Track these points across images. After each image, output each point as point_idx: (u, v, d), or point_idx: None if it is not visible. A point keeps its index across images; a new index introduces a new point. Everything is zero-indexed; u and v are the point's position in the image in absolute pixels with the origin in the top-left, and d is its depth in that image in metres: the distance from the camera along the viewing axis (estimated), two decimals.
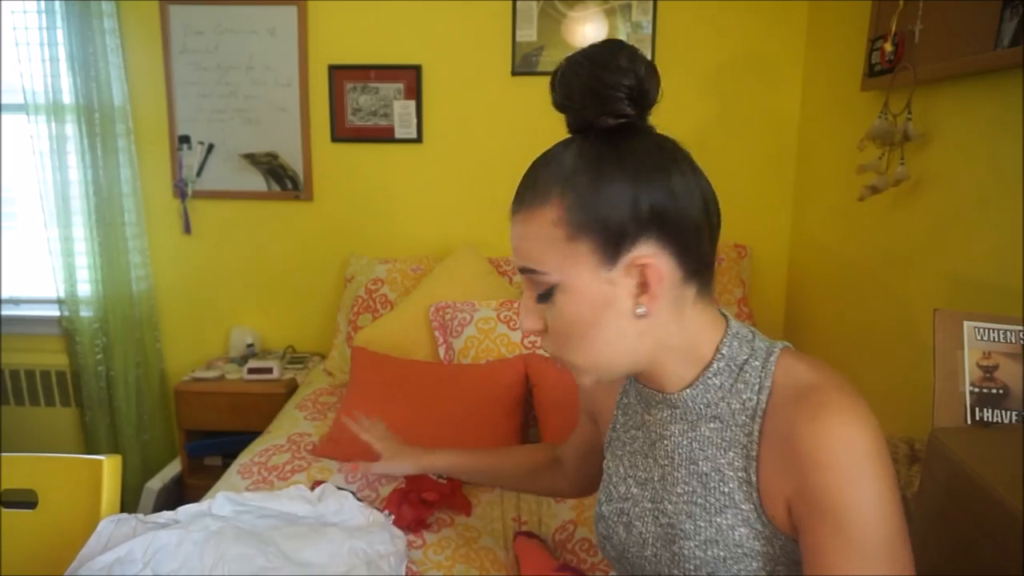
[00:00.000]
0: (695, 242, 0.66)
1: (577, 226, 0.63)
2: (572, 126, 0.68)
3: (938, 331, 0.97)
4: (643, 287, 0.65)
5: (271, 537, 1.06)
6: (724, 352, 0.69)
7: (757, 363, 0.69)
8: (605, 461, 0.84)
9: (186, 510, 1.09)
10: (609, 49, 0.63)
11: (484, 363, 1.90)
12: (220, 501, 1.11)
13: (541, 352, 1.89)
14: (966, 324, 0.97)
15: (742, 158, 2.36)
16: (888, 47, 1.60)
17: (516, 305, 1.98)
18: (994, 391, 0.94)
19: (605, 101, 0.63)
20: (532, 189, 0.67)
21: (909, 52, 1.55)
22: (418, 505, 1.36)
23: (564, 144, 0.68)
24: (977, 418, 0.94)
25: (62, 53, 2.25)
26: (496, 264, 2.32)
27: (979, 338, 0.96)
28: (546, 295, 0.67)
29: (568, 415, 1.52)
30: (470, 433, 1.71)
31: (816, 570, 0.61)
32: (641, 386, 0.76)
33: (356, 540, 1.12)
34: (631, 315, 0.65)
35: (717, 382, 0.69)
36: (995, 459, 0.84)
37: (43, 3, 2.22)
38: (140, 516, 1.06)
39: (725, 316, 0.73)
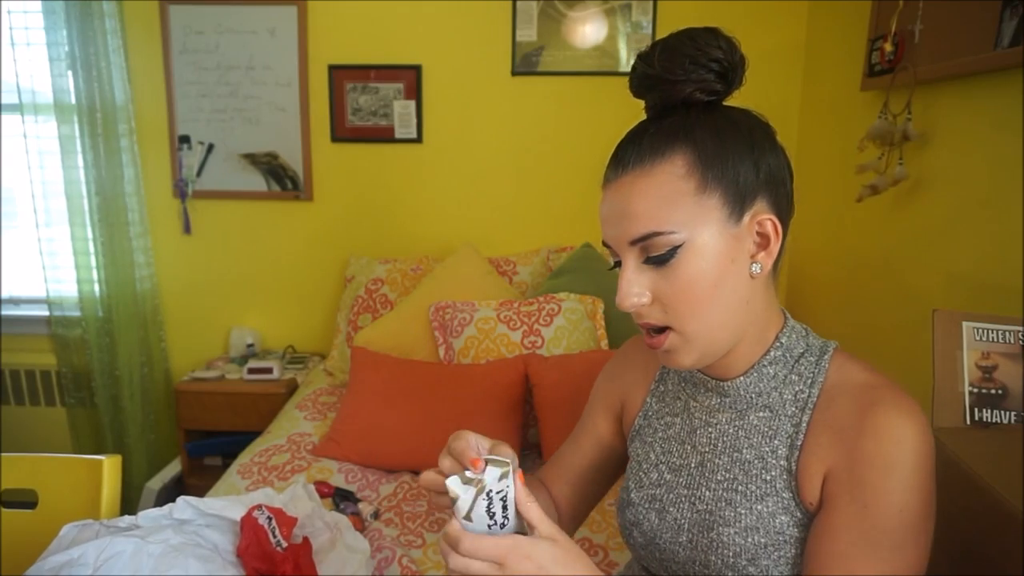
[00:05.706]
0: (787, 214, 0.69)
1: (708, 178, 0.63)
2: (658, 106, 0.68)
3: (937, 331, 0.97)
4: (761, 245, 0.67)
5: (233, 557, 1.03)
6: (783, 341, 0.71)
7: (812, 358, 0.71)
8: (632, 448, 0.85)
9: (147, 515, 1.07)
10: (708, 30, 0.66)
11: (484, 363, 1.90)
12: (181, 506, 1.09)
13: (541, 352, 1.89)
14: (965, 324, 0.97)
15: None
16: (888, 47, 1.60)
17: (516, 305, 1.98)
18: (993, 391, 0.95)
19: (703, 74, 0.64)
20: (642, 151, 0.65)
21: (909, 52, 1.55)
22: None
23: (655, 118, 0.68)
24: (976, 418, 0.94)
25: (64, 53, 2.25)
26: (496, 264, 2.32)
27: (978, 338, 0.96)
28: (664, 258, 0.64)
29: (568, 415, 1.52)
30: None
31: (823, 546, 0.64)
32: (693, 372, 0.77)
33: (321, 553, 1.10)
34: (746, 275, 0.66)
35: (771, 371, 0.71)
36: (995, 459, 0.84)
37: (45, 3, 2.22)
38: (104, 521, 1.04)
39: (782, 310, 0.75)
